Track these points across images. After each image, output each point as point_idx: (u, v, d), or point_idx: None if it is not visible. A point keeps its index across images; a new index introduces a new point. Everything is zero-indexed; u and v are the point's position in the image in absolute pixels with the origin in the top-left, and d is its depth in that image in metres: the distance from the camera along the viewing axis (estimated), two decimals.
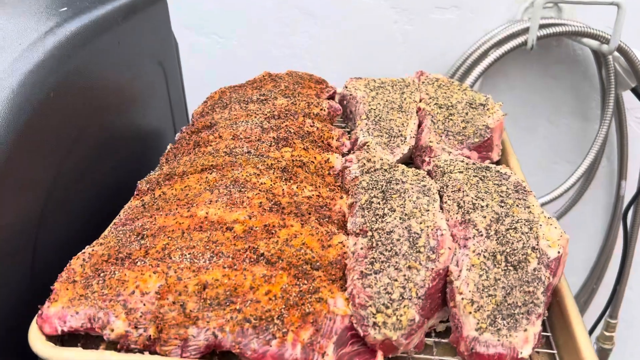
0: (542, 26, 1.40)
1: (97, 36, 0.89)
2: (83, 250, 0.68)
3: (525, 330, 0.57)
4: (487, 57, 1.43)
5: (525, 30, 1.42)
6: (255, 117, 0.92)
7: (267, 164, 0.79)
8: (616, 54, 1.41)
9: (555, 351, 0.62)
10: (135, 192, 0.82)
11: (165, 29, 1.16)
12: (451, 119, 0.92)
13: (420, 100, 0.99)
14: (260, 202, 0.71)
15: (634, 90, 1.49)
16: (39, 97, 0.73)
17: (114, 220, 0.77)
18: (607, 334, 1.75)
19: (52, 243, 0.77)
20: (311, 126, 0.91)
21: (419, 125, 0.94)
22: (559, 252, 0.62)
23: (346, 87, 1.08)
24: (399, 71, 1.61)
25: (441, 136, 0.89)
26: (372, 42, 1.60)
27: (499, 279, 0.60)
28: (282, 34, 1.62)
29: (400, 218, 0.66)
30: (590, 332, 1.76)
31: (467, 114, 0.93)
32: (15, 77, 0.72)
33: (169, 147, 0.92)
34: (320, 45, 1.62)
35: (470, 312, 0.57)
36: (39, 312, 0.61)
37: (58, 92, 0.77)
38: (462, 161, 0.81)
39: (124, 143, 0.99)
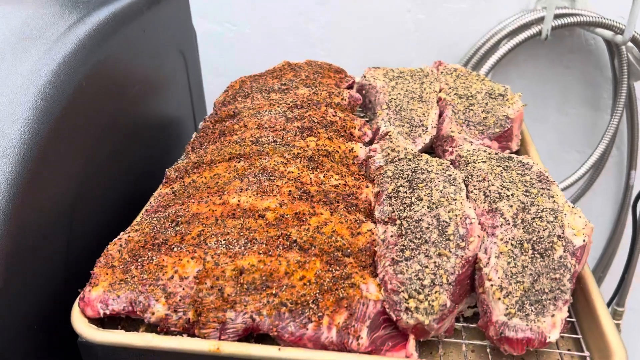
0: (556, 16, 1.40)
1: (124, 25, 0.90)
2: (119, 236, 0.70)
3: (553, 315, 0.59)
4: (500, 47, 1.44)
5: (539, 20, 1.43)
6: (279, 106, 0.94)
7: (294, 153, 0.80)
8: (629, 44, 1.42)
9: (580, 336, 0.64)
10: (164, 180, 0.83)
11: (186, 17, 1.17)
12: (472, 109, 0.93)
13: (440, 90, 1.00)
14: (290, 191, 0.73)
15: None
16: (72, 87, 0.75)
17: (145, 207, 0.79)
18: (614, 322, 1.77)
19: (85, 228, 0.79)
20: (334, 116, 0.92)
21: (440, 115, 0.96)
22: (584, 241, 0.64)
23: (365, 77, 1.09)
24: (412, 59, 1.62)
25: (462, 126, 0.91)
26: (385, 31, 1.60)
27: (527, 266, 0.61)
28: (296, 22, 1.63)
29: (428, 207, 0.68)
30: None
31: (487, 104, 0.95)
32: (48, 68, 0.73)
33: (194, 135, 0.93)
34: (333, 33, 1.62)
35: (499, 298, 0.59)
36: (80, 295, 0.63)
37: (89, 81, 0.78)
38: (485, 151, 0.82)
39: (148, 130, 1.01)
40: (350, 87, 1.11)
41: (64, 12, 0.85)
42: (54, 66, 0.74)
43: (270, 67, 1.65)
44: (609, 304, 1.78)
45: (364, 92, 1.09)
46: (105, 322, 0.65)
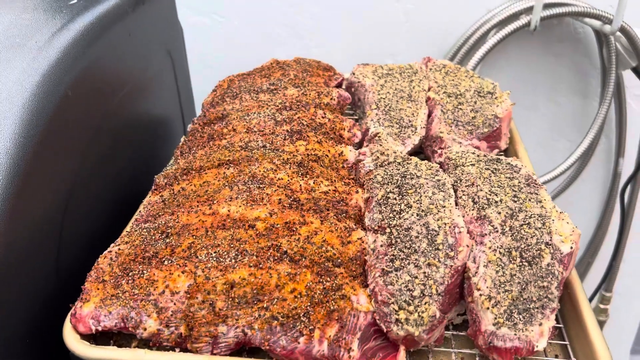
0: (545, 6, 1.40)
1: (109, 29, 0.89)
2: (109, 249, 0.70)
3: (541, 324, 0.60)
4: (489, 38, 1.44)
5: (528, 9, 1.43)
6: (267, 108, 0.93)
7: (283, 159, 0.80)
8: (618, 33, 1.42)
9: (567, 342, 0.65)
10: (153, 187, 0.83)
11: (172, 16, 1.16)
12: (460, 109, 0.93)
13: (429, 89, 1.00)
14: (280, 199, 0.73)
15: (634, 70, 1.50)
16: (57, 97, 0.74)
17: (135, 217, 0.79)
18: (602, 306, 1.81)
19: (75, 236, 0.79)
20: (323, 117, 0.92)
21: (429, 115, 0.96)
22: (571, 247, 0.65)
23: (354, 74, 1.09)
24: (402, 50, 1.61)
25: (451, 126, 0.91)
26: (374, 22, 1.59)
27: (515, 275, 0.62)
28: (286, 13, 1.61)
29: (417, 214, 0.68)
30: None
31: (475, 102, 0.95)
32: (33, 79, 0.73)
33: (182, 139, 0.93)
34: (323, 24, 1.61)
35: (488, 308, 0.60)
36: (72, 311, 0.63)
37: (75, 89, 0.78)
38: (474, 153, 0.82)
39: (137, 133, 1.00)
40: (339, 84, 1.11)
41: (48, 18, 0.84)
42: (39, 77, 0.73)
43: (259, 58, 1.63)
44: (597, 289, 1.81)
45: (353, 89, 1.08)
46: (98, 336, 0.65)
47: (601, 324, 1.86)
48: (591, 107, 1.66)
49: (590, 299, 1.82)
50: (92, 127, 0.83)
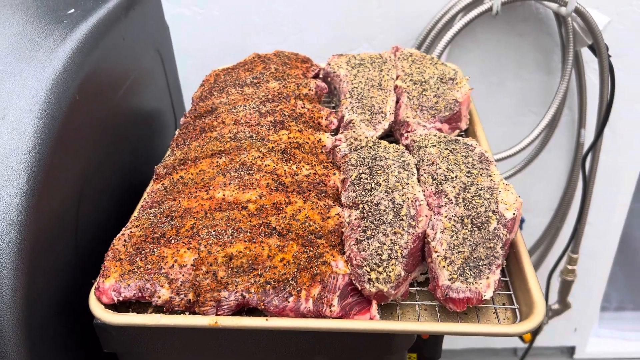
0: None
1: (106, 35, 0.98)
2: (122, 232, 0.81)
3: (488, 278, 0.72)
4: (456, 22, 1.54)
5: None
6: (252, 101, 1.04)
7: (269, 147, 0.92)
8: (574, 14, 1.53)
9: (511, 292, 0.78)
10: (154, 177, 0.94)
11: (159, 15, 1.25)
12: (425, 95, 1.05)
13: (397, 78, 1.11)
14: (267, 183, 0.84)
15: (590, 47, 1.62)
16: (67, 101, 0.84)
17: (141, 203, 0.90)
18: (569, 267, 1.96)
19: (89, 221, 0.90)
20: (302, 107, 1.03)
21: (397, 102, 1.07)
22: (514, 214, 0.77)
23: (329, 65, 1.20)
24: (376, 34, 1.71)
25: (416, 111, 1.03)
26: (349, 7, 1.69)
27: (466, 238, 0.75)
28: (263, 2, 1.69)
29: (385, 191, 0.80)
30: (555, 266, 1.95)
31: (438, 88, 1.06)
32: (45, 86, 0.82)
33: (177, 132, 1.04)
34: (300, 12, 1.70)
35: (444, 266, 0.73)
36: (95, 286, 0.75)
37: (81, 94, 0.88)
38: (435, 135, 0.94)
39: (135, 128, 1.10)
40: (316, 75, 1.21)
41: (51, 29, 0.93)
42: (50, 84, 0.83)
43: (239, 47, 1.72)
44: (564, 251, 1.95)
45: (329, 79, 1.19)
46: (117, 306, 0.76)
47: (569, 283, 2.01)
48: (554, 82, 1.78)
49: (559, 261, 1.96)
50: (98, 126, 0.93)
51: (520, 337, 2.00)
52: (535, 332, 2.01)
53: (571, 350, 2.39)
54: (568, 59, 1.63)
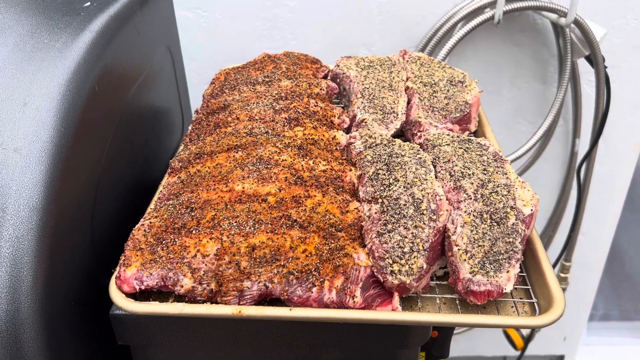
0: (507, 0, 1.54)
1: (122, 28, 0.98)
2: (141, 222, 0.81)
3: (508, 271, 0.73)
4: (457, 31, 1.57)
5: (491, 3, 1.56)
6: (265, 98, 1.05)
7: (285, 143, 0.92)
8: (572, 25, 1.57)
9: (529, 287, 0.79)
10: (170, 170, 0.94)
11: (171, 12, 1.26)
12: (435, 96, 1.06)
13: (407, 79, 1.13)
14: (286, 177, 0.85)
15: (587, 58, 1.66)
16: (86, 91, 0.84)
17: (157, 195, 0.89)
18: (562, 275, 1.98)
19: (104, 211, 0.89)
20: (315, 106, 1.04)
21: (408, 102, 1.08)
22: (531, 210, 0.79)
23: (338, 66, 1.21)
24: (376, 40, 1.73)
25: (428, 112, 1.04)
26: (349, 14, 1.71)
27: (486, 233, 0.76)
28: (264, 7, 1.71)
29: (404, 187, 0.81)
30: None
31: (448, 90, 1.08)
32: (65, 75, 0.82)
33: (190, 127, 1.04)
34: (300, 17, 1.71)
35: (465, 260, 0.74)
36: (116, 274, 0.74)
37: (100, 84, 0.88)
38: (448, 135, 0.96)
39: (147, 122, 1.10)
40: (325, 76, 1.23)
41: (68, 20, 0.93)
42: (69, 74, 0.83)
43: (241, 50, 1.73)
44: (557, 259, 1.98)
45: (338, 80, 1.20)
46: (137, 295, 0.76)
47: (562, 291, 2.04)
48: (550, 92, 1.82)
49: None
50: (114, 118, 0.93)
51: (513, 344, 2.02)
52: (528, 339, 2.03)
53: None
54: (565, 70, 1.67)
